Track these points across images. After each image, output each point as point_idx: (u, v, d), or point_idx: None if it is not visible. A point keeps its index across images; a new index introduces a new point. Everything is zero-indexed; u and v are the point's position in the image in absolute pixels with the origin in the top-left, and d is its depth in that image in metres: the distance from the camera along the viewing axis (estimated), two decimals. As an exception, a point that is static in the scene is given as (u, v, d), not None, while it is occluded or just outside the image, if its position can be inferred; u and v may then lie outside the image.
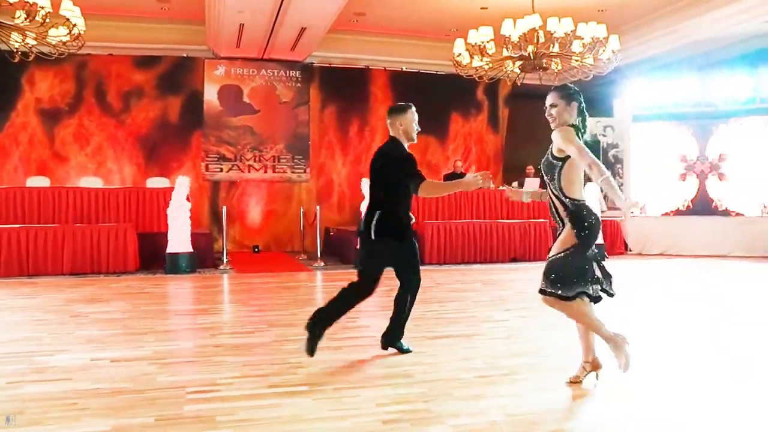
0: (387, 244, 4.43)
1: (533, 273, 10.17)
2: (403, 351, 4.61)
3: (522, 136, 15.87)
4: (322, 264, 11.40)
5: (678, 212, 13.91)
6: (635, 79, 14.35)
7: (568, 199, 3.72)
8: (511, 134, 16.30)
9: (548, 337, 5.29)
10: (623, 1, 12.05)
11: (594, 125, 14.74)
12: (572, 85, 3.89)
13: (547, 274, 3.70)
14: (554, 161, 3.74)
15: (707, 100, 13.69)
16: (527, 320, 6.01)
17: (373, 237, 4.39)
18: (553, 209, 3.82)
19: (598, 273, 3.75)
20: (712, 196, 13.63)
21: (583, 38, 10.09)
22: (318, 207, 12.35)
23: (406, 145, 4.50)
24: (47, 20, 8.50)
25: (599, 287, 3.74)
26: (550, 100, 3.81)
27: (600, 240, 12.37)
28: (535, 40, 9.91)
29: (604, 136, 14.71)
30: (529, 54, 10.09)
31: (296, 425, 3.17)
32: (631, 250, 13.93)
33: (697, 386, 3.91)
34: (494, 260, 11.76)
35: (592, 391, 3.77)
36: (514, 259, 11.94)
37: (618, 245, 13.55)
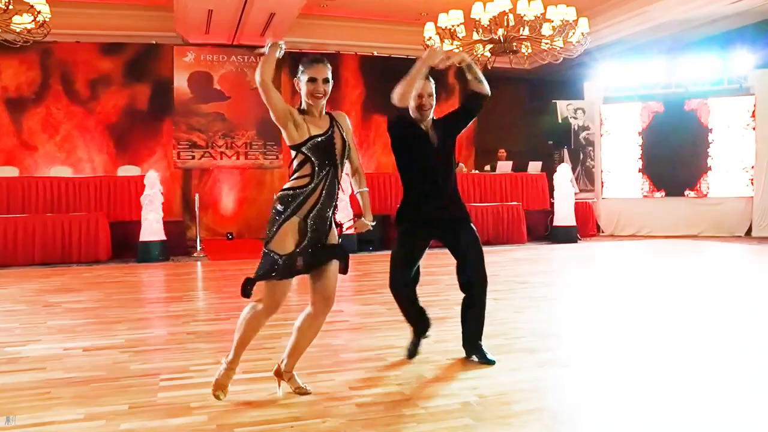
0: None
1: (505, 256, 10.29)
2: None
3: (493, 120, 15.91)
4: (296, 250, 11.37)
5: (648, 193, 14.09)
6: (605, 62, 14.45)
7: None
8: (482, 118, 16.24)
9: (520, 318, 5.36)
10: (592, -16, 12.12)
11: (564, 108, 14.86)
12: None
13: None
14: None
15: (677, 82, 13.85)
16: (499, 302, 6.07)
17: None
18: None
19: None
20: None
21: (552, 21, 10.13)
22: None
23: None
24: (11, 7, 8.36)
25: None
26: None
27: (572, 221, 12.52)
28: (505, 24, 9.94)
29: (575, 118, 14.83)
30: (499, 37, 10.12)
31: (270, 410, 3.19)
32: (603, 232, 14.11)
33: (668, 368, 4.00)
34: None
35: (564, 370, 3.84)
36: (486, 243, 12.02)
37: (590, 227, 13.70)
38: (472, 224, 4.10)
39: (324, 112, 3.39)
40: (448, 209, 4.03)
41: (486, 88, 4.06)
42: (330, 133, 3.34)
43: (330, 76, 3.34)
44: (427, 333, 4.20)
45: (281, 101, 3.29)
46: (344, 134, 3.39)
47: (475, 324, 4.08)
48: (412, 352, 4.13)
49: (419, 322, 4.16)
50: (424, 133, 3.96)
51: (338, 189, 3.37)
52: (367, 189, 3.53)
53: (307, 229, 3.28)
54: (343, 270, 3.41)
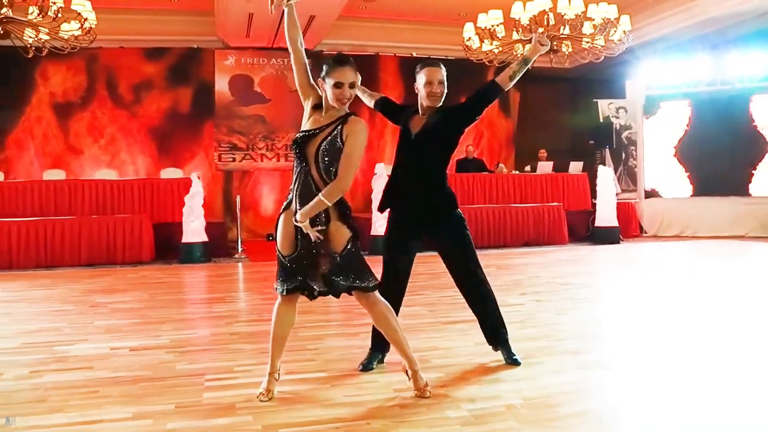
0: None
1: (547, 257, 10.19)
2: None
3: (533, 120, 15.83)
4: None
5: (693, 193, 13.82)
6: (648, 60, 14.20)
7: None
8: (522, 118, 16.22)
9: (562, 320, 5.31)
10: (634, -19, 11.94)
11: (606, 107, 14.66)
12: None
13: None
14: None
15: (723, 79, 13.55)
16: (541, 304, 6.03)
17: None
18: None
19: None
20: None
21: (593, 19, 10.00)
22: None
23: None
24: (59, 15, 8.58)
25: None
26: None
27: (614, 222, 12.34)
28: (545, 23, 9.85)
29: (616, 117, 14.61)
30: (539, 37, 10.03)
31: (314, 411, 3.21)
32: (646, 233, 13.87)
33: (712, 370, 3.92)
34: (507, 245, 11.75)
35: (607, 372, 3.79)
36: (527, 244, 11.91)
37: (633, 227, 13.50)
38: (456, 219, 3.87)
39: (341, 113, 3.26)
40: (422, 200, 3.82)
41: (511, 85, 3.96)
42: (317, 131, 3.25)
43: (356, 78, 3.24)
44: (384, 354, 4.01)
45: (303, 76, 3.35)
46: (340, 138, 3.19)
47: (491, 316, 3.95)
48: (367, 365, 3.93)
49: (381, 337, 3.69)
50: (407, 121, 3.91)
51: (316, 193, 3.19)
52: (323, 198, 3.17)
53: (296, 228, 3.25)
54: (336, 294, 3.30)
